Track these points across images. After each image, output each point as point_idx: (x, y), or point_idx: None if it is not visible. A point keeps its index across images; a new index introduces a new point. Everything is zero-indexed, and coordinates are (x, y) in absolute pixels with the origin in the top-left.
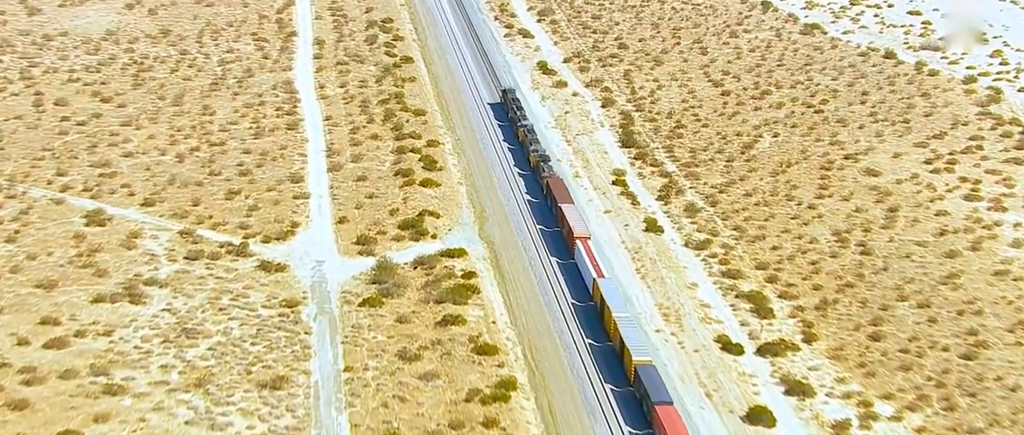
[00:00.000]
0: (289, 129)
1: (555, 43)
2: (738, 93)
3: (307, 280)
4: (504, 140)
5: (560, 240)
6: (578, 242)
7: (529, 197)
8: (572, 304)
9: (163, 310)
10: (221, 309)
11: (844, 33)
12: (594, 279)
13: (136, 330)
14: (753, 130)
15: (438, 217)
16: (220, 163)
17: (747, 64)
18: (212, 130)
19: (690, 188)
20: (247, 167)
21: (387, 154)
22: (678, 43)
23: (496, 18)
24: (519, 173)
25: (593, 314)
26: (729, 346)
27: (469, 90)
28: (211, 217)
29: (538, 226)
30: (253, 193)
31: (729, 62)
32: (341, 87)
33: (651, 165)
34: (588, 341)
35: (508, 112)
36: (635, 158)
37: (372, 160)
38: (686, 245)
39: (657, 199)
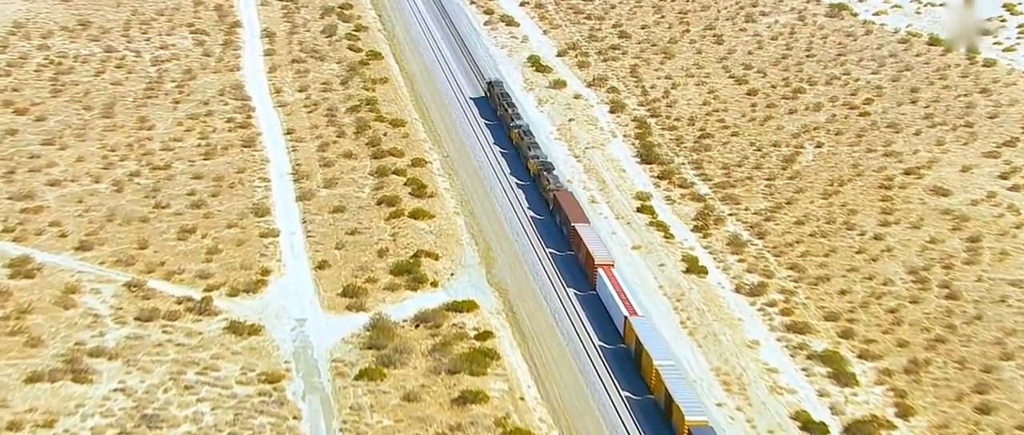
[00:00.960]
0: (245, 146)
1: (545, 32)
2: (766, 92)
3: (288, 345)
4: (495, 144)
5: (575, 266)
6: (600, 270)
7: (532, 213)
8: (599, 347)
9: (115, 390)
10: (187, 387)
11: (876, 14)
12: (626, 318)
13: (84, 418)
14: (792, 139)
15: (436, 258)
16: (167, 192)
17: (771, 55)
18: (153, 149)
19: (730, 215)
20: (200, 197)
21: (365, 177)
22: (688, 30)
23: (472, 2)
24: (517, 184)
25: (626, 359)
26: (810, 425)
27: (451, 92)
28: (163, 264)
29: (548, 249)
30: (211, 231)
31: (749, 53)
32: (301, 91)
33: (679, 186)
34: (624, 393)
35: (496, 109)
36: (659, 177)
37: (349, 185)
38: (738, 291)
39: (693, 230)
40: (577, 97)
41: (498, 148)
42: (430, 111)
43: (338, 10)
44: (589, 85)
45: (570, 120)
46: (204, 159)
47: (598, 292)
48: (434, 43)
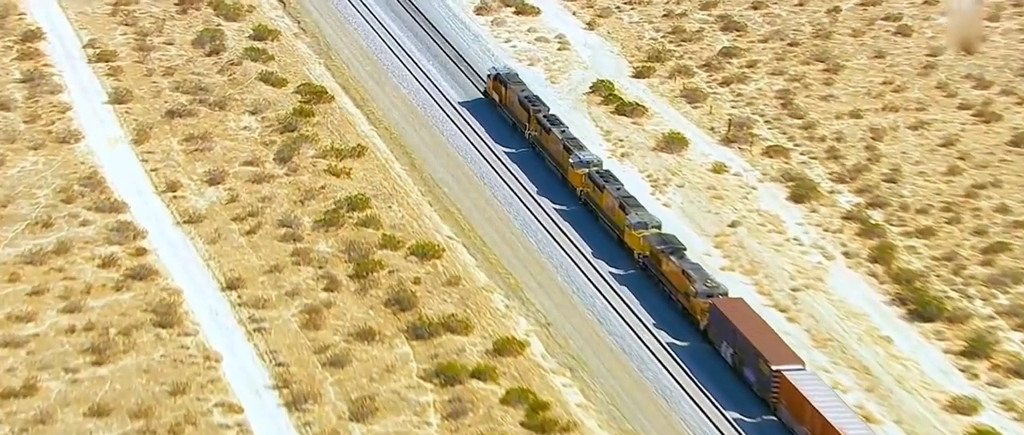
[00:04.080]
0: (161, 325)
1: (589, 25)
2: None
3: None
4: (539, 201)
5: None
6: None
7: (670, 338)
8: None
9: None
10: None
11: None
12: None
13: None
14: None
15: None
16: None
17: (1006, 53)
18: None
19: None
20: None
21: (414, 383)
22: (837, 9)
23: None
24: (611, 272)
25: None
26: None
27: (476, 156)
28: None
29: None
30: None
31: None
32: (211, 182)
33: (996, 366)
34: None
35: (512, 119)
36: (966, 355)
37: (397, 413)
38: None
39: None
40: (719, 170)
41: (545, 209)
42: (471, 216)
43: (217, 5)
44: (727, 141)
45: (733, 224)
46: (93, 364)
47: None
48: (407, 59)
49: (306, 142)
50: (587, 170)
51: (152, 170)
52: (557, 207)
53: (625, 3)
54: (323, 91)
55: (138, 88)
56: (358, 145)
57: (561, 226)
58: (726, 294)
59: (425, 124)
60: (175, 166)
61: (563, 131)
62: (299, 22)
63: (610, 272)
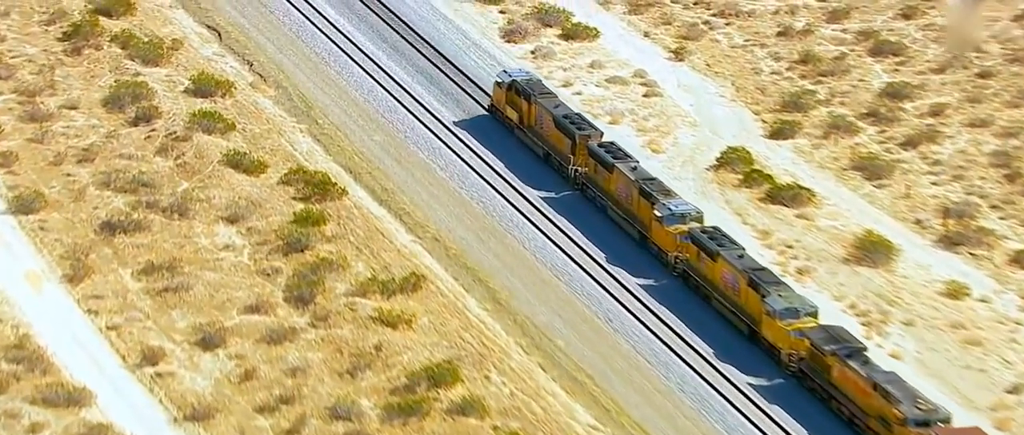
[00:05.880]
0: None
1: (677, 54)
2: None
3: None
4: (615, 274)
5: None
6: None
7: None
8: None
9: None
10: None
11: None
12: None
13: None
14: None
15: None
16: None
17: None
18: None
19: None
20: None
21: None
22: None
23: None
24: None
25: None
26: None
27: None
28: None
29: None
30: None
31: None
32: (205, 346)
33: None
34: None
35: (543, 148)
36: None
37: None
38: None
39: None
40: (957, 293)
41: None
42: (608, 383)
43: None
44: (948, 242)
45: (1015, 389)
46: None
47: None
48: (428, 117)
49: (329, 269)
50: (683, 227)
51: (109, 328)
52: (642, 281)
53: (716, 16)
54: (327, 180)
55: (47, 186)
56: (411, 273)
57: (655, 310)
58: (948, 421)
59: (490, 228)
60: (141, 319)
61: (634, 168)
62: (251, 64)
63: (748, 383)
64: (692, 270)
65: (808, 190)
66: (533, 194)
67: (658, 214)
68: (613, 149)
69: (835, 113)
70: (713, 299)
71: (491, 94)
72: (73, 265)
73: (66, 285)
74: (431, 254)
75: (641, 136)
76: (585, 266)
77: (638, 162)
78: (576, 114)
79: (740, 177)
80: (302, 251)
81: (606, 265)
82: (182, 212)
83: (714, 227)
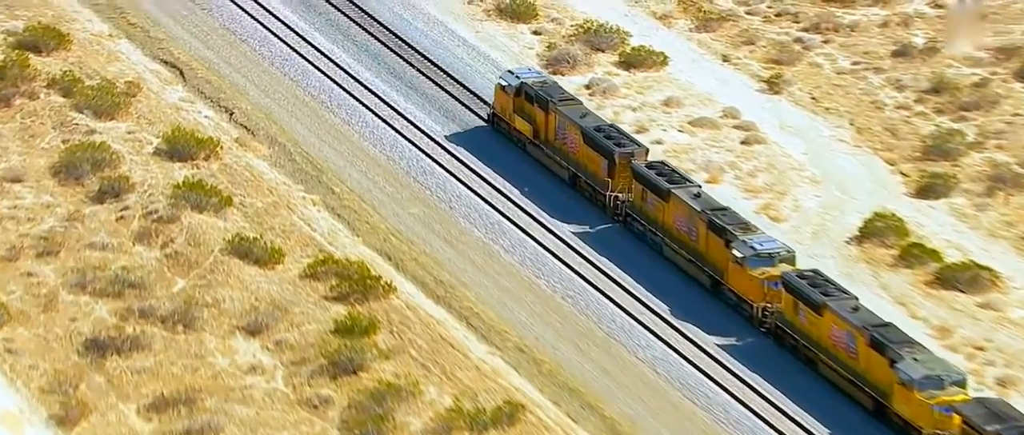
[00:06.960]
0: None
1: (771, 86)
2: None
3: None
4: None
5: None
6: None
7: None
8: None
9: None
10: None
11: None
12: None
13: None
14: None
15: None
16: None
17: None
18: None
19: None
20: None
21: None
22: None
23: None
24: None
25: None
26: None
27: None
28: None
29: None
30: None
31: None
32: None
33: None
34: None
35: (568, 168)
36: None
37: None
38: None
39: None
40: None
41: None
42: None
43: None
44: None
45: None
46: None
47: None
48: (473, 179)
49: (396, 398)
50: (773, 271)
51: None
52: (721, 340)
53: (808, 31)
54: (366, 273)
55: (5, 292)
56: (505, 401)
57: (747, 379)
58: None
59: (586, 331)
60: None
61: (697, 195)
62: (232, 113)
63: None
64: (787, 326)
65: (988, 269)
66: (566, 231)
67: (738, 254)
68: (666, 171)
69: (995, 160)
70: (820, 363)
71: (491, 101)
72: (62, 403)
73: (56, 430)
74: (519, 371)
75: (751, 198)
76: (674, 343)
77: (701, 186)
78: (610, 126)
79: (895, 253)
80: (355, 373)
81: (673, 320)
82: (187, 322)
83: (814, 271)
